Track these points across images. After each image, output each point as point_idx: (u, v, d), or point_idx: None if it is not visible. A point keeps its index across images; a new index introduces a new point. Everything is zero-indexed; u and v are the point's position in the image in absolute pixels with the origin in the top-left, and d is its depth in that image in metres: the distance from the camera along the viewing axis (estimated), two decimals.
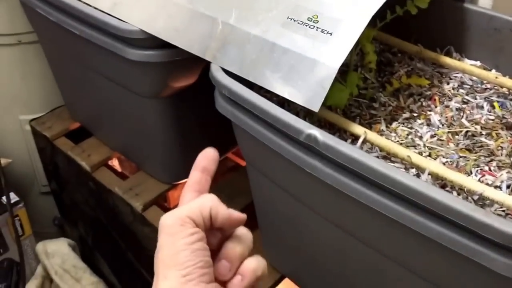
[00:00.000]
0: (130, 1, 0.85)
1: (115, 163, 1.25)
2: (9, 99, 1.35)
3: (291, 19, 0.71)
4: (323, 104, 0.68)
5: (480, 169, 0.68)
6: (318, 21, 0.69)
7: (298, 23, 0.70)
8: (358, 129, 0.70)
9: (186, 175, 1.10)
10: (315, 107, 0.66)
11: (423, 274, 0.63)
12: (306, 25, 0.70)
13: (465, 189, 0.62)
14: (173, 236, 0.48)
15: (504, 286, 0.55)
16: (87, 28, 0.88)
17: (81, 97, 1.17)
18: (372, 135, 0.70)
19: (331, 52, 0.67)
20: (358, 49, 0.82)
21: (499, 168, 0.69)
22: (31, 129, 1.30)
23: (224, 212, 0.51)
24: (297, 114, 0.77)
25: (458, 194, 0.64)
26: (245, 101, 0.69)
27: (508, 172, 0.67)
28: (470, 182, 0.62)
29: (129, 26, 0.82)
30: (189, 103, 0.99)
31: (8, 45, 1.26)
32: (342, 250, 0.75)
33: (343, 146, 0.61)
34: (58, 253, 1.32)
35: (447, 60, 0.84)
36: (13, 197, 1.30)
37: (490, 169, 0.68)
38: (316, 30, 0.69)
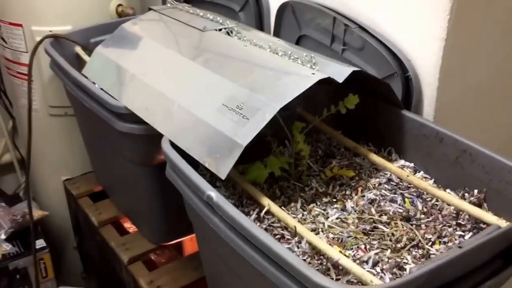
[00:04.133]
0: (122, 84, 1.06)
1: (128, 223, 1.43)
2: (55, 162, 1.60)
3: (225, 105, 0.88)
4: (247, 178, 0.84)
5: (357, 246, 0.78)
6: (243, 108, 0.85)
7: (229, 109, 0.87)
8: (265, 201, 0.84)
9: (169, 238, 1.25)
10: (222, 175, 0.81)
11: None
12: (234, 111, 0.86)
13: (326, 256, 0.73)
14: None
15: None
16: (93, 102, 1.10)
17: (99, 164, 1.38)
18: (275, 207, 0.82)
19: (243, 133, 0.82)
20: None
21: (382, 250, 0.79)
22: (64, 187, 1.52)
23: None
24: (234, 186, 0.91)
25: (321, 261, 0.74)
26: (175, 166, 0.85)
27: (381, 252, 0.77)
28: (331, 251, 0.73)
29: (117, 103, 1.02)
30: None
31: (58, 116, 1.53)
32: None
33: (228, 206, 0.75)
34: None
35: (374, 157, 0.95)
36: (41, 243, 1.51)
37: (365, 248, 0.78)
38: (239, 115, 0.85)
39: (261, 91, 0.86)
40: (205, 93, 0.92)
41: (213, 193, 0.77)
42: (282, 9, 1.18)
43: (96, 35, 1.37)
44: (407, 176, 0.90)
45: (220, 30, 1.08)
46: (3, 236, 1.48)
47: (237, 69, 0.94)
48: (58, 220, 1.69)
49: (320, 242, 0.76)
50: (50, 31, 1.37)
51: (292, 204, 0.89)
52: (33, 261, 1.47)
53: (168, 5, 1.23)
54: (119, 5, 1.45)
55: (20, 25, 1.43)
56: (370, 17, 1.04)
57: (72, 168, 1.60)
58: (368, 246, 0.79)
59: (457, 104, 1.02)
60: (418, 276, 0.64)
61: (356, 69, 0.88)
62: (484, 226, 0.82)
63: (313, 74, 0.86)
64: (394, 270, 0.75)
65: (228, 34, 1.07)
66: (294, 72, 0.88)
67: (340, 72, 0.88)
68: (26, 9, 1.41)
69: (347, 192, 0.93)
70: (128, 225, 1.44)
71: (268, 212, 0.84)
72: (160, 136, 1.03)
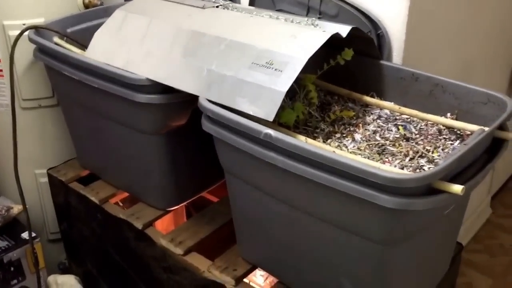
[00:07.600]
0: (138, 60, 1.18)
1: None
2: (27, 156, 1.64)
3: (255, 63, 1.04)
4: (279, 123, 1.00)
5: (382, 160, 0.99)
6: (273, 63, 1.02)
7: (259, 66, 1.03)
8: (301, 137, 1.02)
9: (177, 202, 1.38)
10: (270, 118, 0.97)
11: (340, 221, 0.93)
12: (265, 67, 1.03)
13: None
14: None
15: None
16: (104, 81, 1.20)
17: (92, 146, 1.47)
18: (311, 140, 1.01)
19: (281, 82, 0.99)
20: (305, 91, 1.15)
21: (401, 160, 1.01)
22: (48, 177, 1.57)
23: None
24: None
25: None
26: (222, 117, 1.00)
27: (400, 161, 0.99)
28: (372, 162, 0.93)
29: (138, 76, 1.14)
30: (181, 140, 1.29)
31: (30, 109, 1.58)
32: (291, 221, 1.04)
33: (289, 138, 0.92)
34: (66, 284, 1.56)
35: (368, 99, 1.17)
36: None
37: (389, 160, 0.99)
38: (272, 69, 1.02)
39: (285, 49, 1.04)
40: (231, 56, 1.07)
41: (270, 131, 0.94)
42: None
43: (71, 25, 1.46)
44: (399, 108, 1.13)
45: (217, 7, 1.23)
46: None
47: (253, 34, 1.11)
48: (31, 214, 1.72)
49: (360, 157, 0.96)
50: (23, 24, 1.43)
51: (317, 140, 1.08)
52: (25, 252, 1.52)
53: None
54: None
55: None
56: None
57: (44, 161, 1.65)
58: (390, 159, 1.01)
59: (421, 53, 1.27)
60: (451, 162, 0.86)
61: (354, 26, 1.09)
62: (464, 136, 1.07)
63: (324, 31, 1.05)
64: (417, 171, 0.97)
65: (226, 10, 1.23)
66: (307, 32, 1.07)
67: (341, 29, 1.08)
68: None
69: (351, 129, 1.13)
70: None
71: None
72: (175, 104, 1.18)
